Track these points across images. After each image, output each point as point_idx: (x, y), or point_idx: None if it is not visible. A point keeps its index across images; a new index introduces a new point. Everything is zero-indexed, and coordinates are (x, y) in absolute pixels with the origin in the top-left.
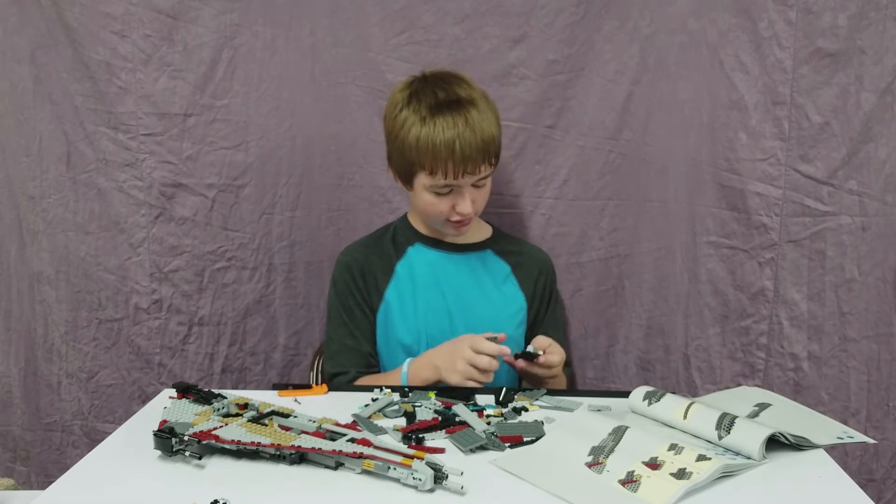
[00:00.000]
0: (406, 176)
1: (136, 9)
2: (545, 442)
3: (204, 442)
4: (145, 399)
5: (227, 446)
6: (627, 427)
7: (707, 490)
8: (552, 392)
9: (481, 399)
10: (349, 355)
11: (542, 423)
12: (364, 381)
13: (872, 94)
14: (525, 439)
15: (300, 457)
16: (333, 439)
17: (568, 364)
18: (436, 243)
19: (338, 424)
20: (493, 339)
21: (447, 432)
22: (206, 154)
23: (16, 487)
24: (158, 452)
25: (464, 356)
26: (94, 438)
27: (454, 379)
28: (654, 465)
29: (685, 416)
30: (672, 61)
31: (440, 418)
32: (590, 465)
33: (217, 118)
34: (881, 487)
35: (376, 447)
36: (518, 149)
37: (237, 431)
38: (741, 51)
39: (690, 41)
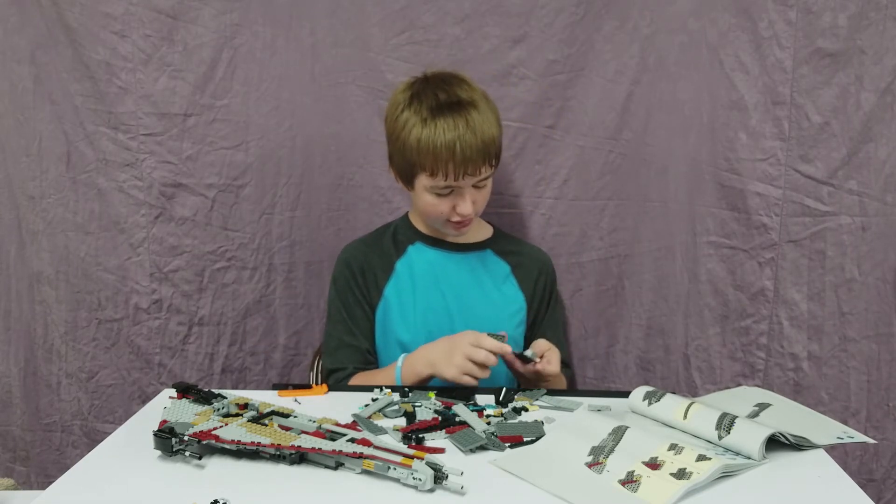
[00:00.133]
0: (407, 176)
1: (136, 9)
2: (545, 442)
3: (204, 442)
4: (145, 399)
5: (227, 446)
6: (627, 427)
7: (707, 490)
8: (552, 392)
9: (481, 399)
10: (347, 352)
11: (542, 423)
12: (359, 377)
13: (872, 94)
14: (525, 439)
15: (300, 457)
16: (333, 439)
17: (568, 364)
18: (436, 242)
19: (338, 424)
20: (498, 338)
21: (447, 432)
22: (206, 154)
23: (16, 487)
24: (158, 452)
25: (463, 351)
26: (94, 438)
27: (450, 373)
28: (654, 465)
29: (685, 416)
30: (672, 61)
31: (440, 418)
32: (590, 465)
33: (217, 118)
34: (881, 487)
35: (376, 447)
36: (518, 149)
37: (237, 431)
38: (741, 51)
39: (690, 41)
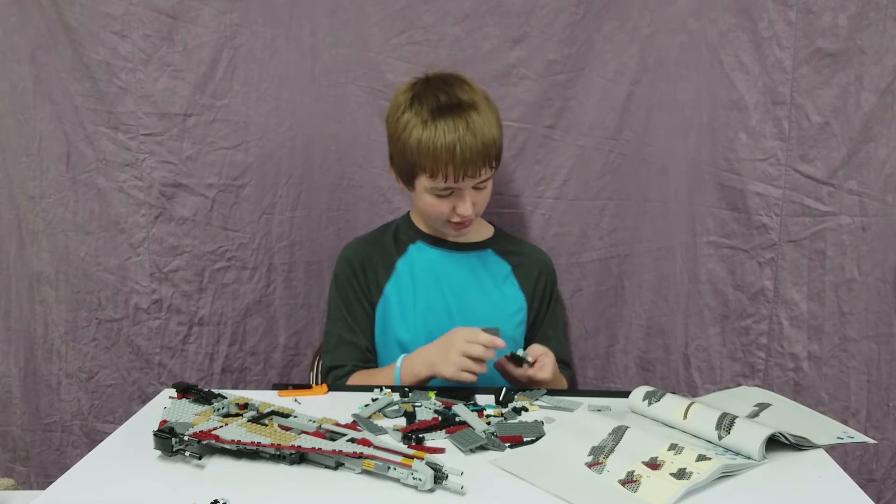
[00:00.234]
0: (407, 177)
1: (136, 9)
2: (545, 442)
3: (204, 442)
4: (145, 399)
5: (227, 446)
6: (627, 427)
7: (707, 490)
8: (552, 392)
9: (481, 399)
10: (347, 349)
11: (542, 423)
12: (358, 376)
13: (872, 94)
14: (525, 439)
15: (300, 457)
16: (333, 439)
17: (568, 365)
18: (437, 242)
19: (338, 424)
20: (491, 332)
21: (447, 432)
22: (206, 154)
23: (16, 487)
24: (158, 452)
25: (458, 347)
26: (94, 438)
27: (449, 371)
28: (654, 465)
29: (685, 416)
30: (672, 61)
31: (440, 418)
32: (590, 465)
33: (217, 118)
34: (881, 487)
35: (376, 447)
36: (518, 149)
37: (237, 431)
38: (741, 51)
39: (690, 41)
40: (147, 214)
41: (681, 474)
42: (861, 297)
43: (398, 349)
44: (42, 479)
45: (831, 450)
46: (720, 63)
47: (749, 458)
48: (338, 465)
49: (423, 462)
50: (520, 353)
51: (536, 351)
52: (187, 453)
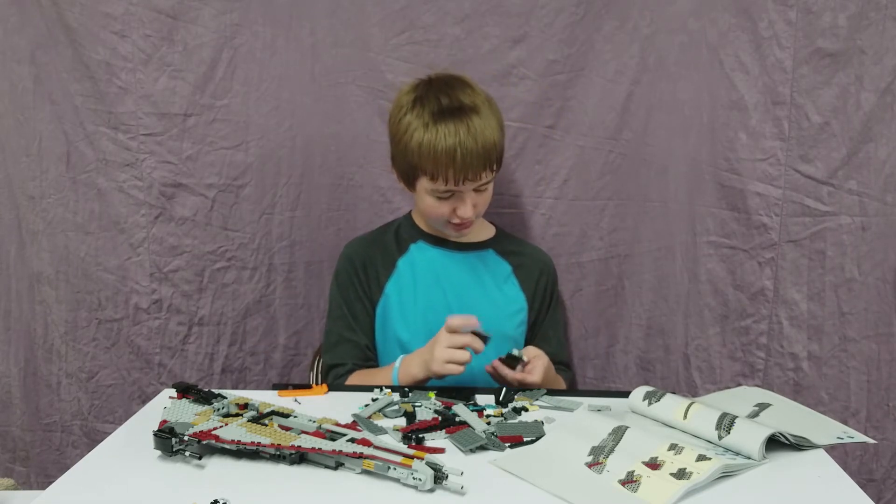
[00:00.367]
0: (408, 179)
1: (136, 9)
2: (545, 442)
3: (204, 442)
4: (145, 399)
5: (227, 446)
6: (627, 427)
7: (707, 490)
8: (552, 392)
9: (481, 399)
10: (347, 347)
11: (542, 423)
12: (357, 376)
13: (872, 94)
14: (525, 439)
15: (300, 457)
16: (333, 439)
17: (568, 365)
18: (438, 241)
19: (338, 424)
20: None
21: (447, 432)
22: (206, 154)
23: (16, 487)
24: (158, 452)
25: (441, 341)
26: (93, 438)
27: (435, 366)
28: (654, 465)
29: (685, 416)
30: (672, 61)
31: (440, 418)
32: (590, 465)
33: (217, 118)
34: (881, 487)
35: (376, 447)
36: (518, 149)
37: (237, 431)
38: (741, 51)
39: (690, 41)
40: (147, 214)
41: (681, 474)
42: (861, 297)
43: (398, 348)
44: (42, 479)
45: (831, 450)
46: (720, 63)
47: (749, 458)
48: (338, 465)
49: (423, 462)
50: (515, 352)
51: (530, 353)
52: (187, 453)
